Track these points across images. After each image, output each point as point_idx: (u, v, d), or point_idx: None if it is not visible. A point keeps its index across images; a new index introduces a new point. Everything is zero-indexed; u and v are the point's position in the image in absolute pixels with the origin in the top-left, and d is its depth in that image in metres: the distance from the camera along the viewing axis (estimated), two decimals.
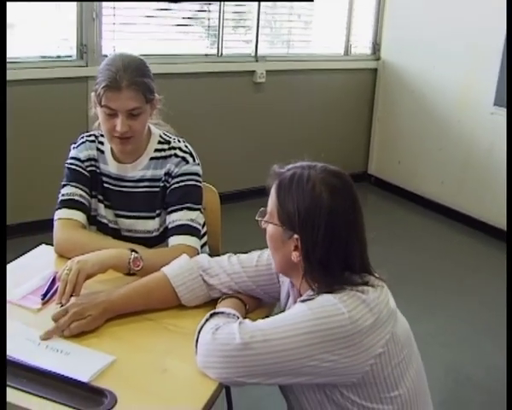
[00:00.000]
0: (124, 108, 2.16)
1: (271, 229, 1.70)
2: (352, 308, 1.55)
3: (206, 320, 1.69)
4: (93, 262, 1.97)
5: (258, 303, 1.99)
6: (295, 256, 1.64)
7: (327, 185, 1.62)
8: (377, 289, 1.62)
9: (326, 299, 1.57)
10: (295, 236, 1.62)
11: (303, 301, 1.63)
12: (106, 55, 4.32)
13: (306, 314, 1.56)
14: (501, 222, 5.05)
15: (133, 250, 2.06)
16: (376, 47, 6.26)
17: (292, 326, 1.55)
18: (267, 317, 1.95)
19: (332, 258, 1.61)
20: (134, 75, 2.16)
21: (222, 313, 1.72)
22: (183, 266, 1.95)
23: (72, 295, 1.91)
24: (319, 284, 1.63)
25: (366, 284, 1.61)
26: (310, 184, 1.62)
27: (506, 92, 4.83)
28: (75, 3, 4.49)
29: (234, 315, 1.72)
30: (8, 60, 4.16)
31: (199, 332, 1.68)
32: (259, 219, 1.75)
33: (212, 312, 1.73)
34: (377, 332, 1.56)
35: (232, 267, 1.94)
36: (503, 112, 4.98)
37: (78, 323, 1.77)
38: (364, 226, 1.68)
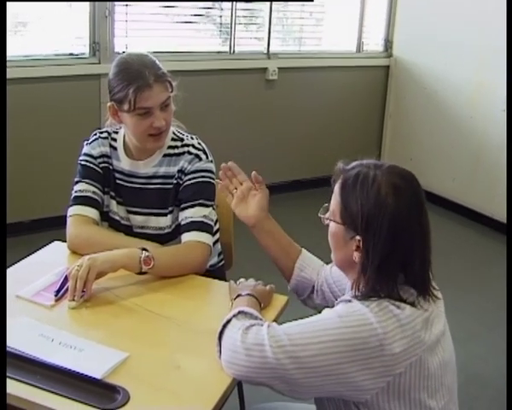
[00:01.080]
0: (158, 103, 2.17)
1: (334, 227, 1.67)
2: (383, 320, 1.50)
3: (234, 316, 1.68)
4: (103, 260, 1.98)
5: (269, 301, 1.99)
6: (357, 256, 1.60)
7: (393, 188, 1.56)
8: (417, 310, 1.55)
9: (356, 307, 1.54)
10: (357, 237, 1.58)
11: (339, 302, 1.62)
12: (118, 53, 4.35)
13: (335, 322, 1.53)
14: None
15: (144, 249, 2.06)
16: (388, 44, 6.23)
17: (319, 333, 1.52)
18: (279, 314, 1.98)
19: (390, 265, 1.56)
20: (155, 69, 2.19)
21: (251, 314, 1.70)
22: (316, 267, 2.09)
23: (83, 292, 1.93)
24: (368, 287, 1.58)
25: (411, 303, 1.55)
26: (375, 186, 1.56)
27: (506, 94, 4.83)
28: (87, 1, 4.50)
29: (261, 319, 1.70)
30: (21, 58, 4.21)
31: (224, 326, 1.67)
32: (322, 215, 1.72)
33: (240, 309, 1.71)
34: (404, 352, 1.50)
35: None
36: None
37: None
38: (430, 236, 1.62)
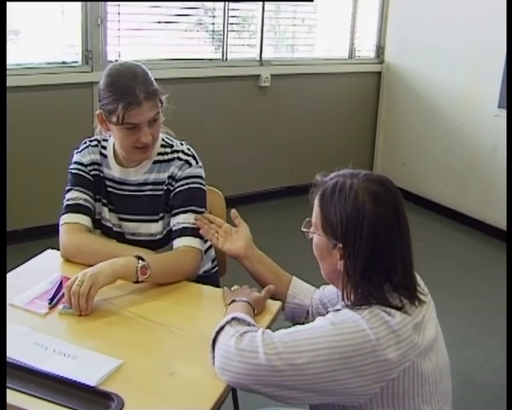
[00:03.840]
0: (146, 120, 2.17)
1: (317, 239, 1.69)
2: (375, 327, 1.51)
3: (227, 322, 1.68)
4: (105, 275, 1.97)
5: (263, 307, 1.99)
6: (341, 265, 1.63)
7: (370, 194, 1.59)
8: (407, 316, 1.56)
9: (348, 315, 1.56)
10: (339, 245, 1.61)
11: (333, 311, 1.63)
12: (111, 61, 4.35)
13: (328, 329, 1.54)
14: (505, 224, 5.05)
15: (140, 258, 2.06)
16: (380, 50, 6.26)
17: (313, 340, 1.53)
18: (274, 319, 1.98)
19: (374, 270, 1.58)
20: (147, 85, 2.17)
21: (244, 320, 1.71)
22: (308, 292, 2.12)
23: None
24: (356, 296, 1.61)
25: (399, 308, 1.56)
26: (352, 194, 1.59)
27: (506, 96, 4.84)
28: (80, 9, 4.50)
29: (254, 325, 1.71)
30: (13, 66, 4.21)
31: (217, 333, 1.67)
32: (304, 230, 1.75)
33: (234, 315, 1.71)
34: (398, 357, 1.51)
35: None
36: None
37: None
38: (410, 238, 1.64)
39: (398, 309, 1.56)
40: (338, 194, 1.62)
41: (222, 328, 1.68)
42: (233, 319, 1.70)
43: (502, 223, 5.15)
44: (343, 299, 1.68)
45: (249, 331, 1.63)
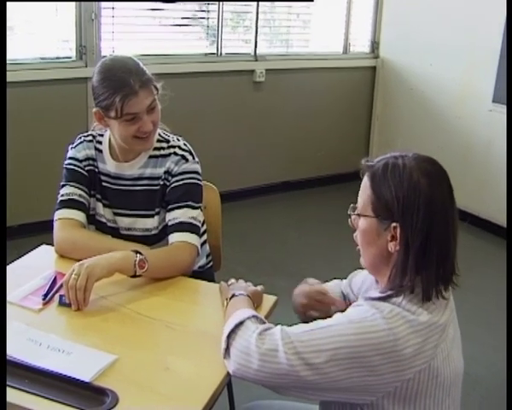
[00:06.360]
0: (144, 108, 2.18)
1: (365, 222, 1.64)
2: (394, 327, 1.50)
3: (247, 318, 1.66)
4: (101, 267, 1.97)
5: (260, 301, 1.99)
6: (393, 246, 1.58)
7: (423, 172, 1.58)
8: (433, 317, 1.56)
9: (369, 313, 1.53)
10: (393, 224, 1.57)
11: (369, 298, 1.60)
12: (105, 56, 4.34)
13: (346, 328, 1.52)
14: (500, 218, 5.06)
15: (138, 252, 2.06)
16: (375, 45, 6.26)
17: (331, 339, 1.51)
18: (269, 314, 1.97)
19: (429, 249, 1.57)
20: (140, 75, 2.19)
21: (261, 320, 1.69)
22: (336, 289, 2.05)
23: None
24: (398, 280, 1.58)
25: (428, 298, 1.56)
26: (406, 171, 1.57)
27: (506, 90, 4.84)
28: (74, 5, 4.49)
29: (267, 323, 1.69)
30: (7, 61, 4.18)
31: (236, 326, 1.64)
32: (352, 213, 1.69)
33: (253, 314, 1.69)
34: (414, 358, 1.50)
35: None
36: (501, 109, 4.98)
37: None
38: (458, 217, 1.66)
39: (428, 300, 1.56)
40: (391, 172, 1.59)
41: (242, 322, 1.65)
42: (253, 316, 1.68)
43: (497, 217, 5.16)
44: (387, 284, 1.63)
45: (269, 329, 1.61)
